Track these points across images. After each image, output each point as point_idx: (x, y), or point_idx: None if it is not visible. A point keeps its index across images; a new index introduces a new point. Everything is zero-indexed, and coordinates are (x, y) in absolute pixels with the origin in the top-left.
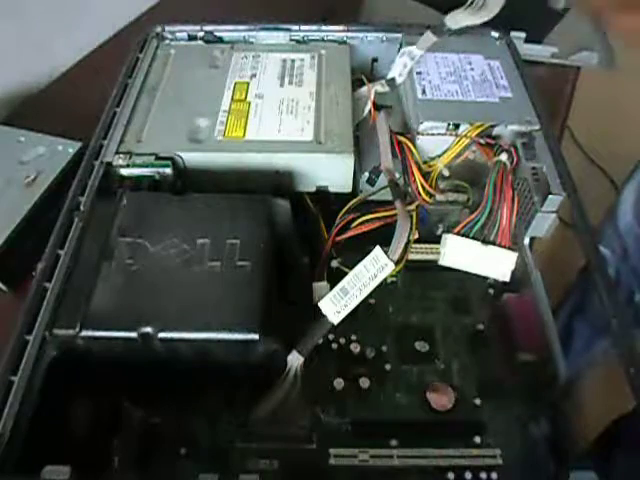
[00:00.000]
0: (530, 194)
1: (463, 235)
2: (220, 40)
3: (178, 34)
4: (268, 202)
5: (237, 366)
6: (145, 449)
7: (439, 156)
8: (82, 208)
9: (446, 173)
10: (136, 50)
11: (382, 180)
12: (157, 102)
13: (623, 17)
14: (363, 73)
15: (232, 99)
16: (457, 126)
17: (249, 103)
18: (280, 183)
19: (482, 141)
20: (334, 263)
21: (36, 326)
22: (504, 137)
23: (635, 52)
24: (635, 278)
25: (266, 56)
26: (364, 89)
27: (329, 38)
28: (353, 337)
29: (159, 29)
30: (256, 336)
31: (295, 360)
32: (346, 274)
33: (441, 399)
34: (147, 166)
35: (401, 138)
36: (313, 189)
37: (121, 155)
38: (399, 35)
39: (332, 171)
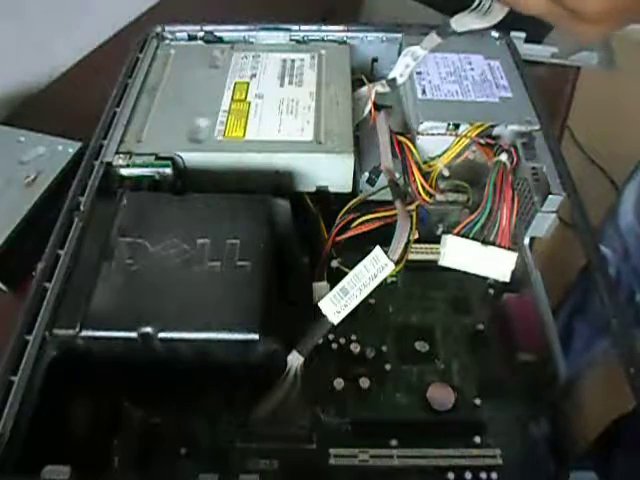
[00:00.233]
0: (530, 194)
1: (463, 235)
2: (220, 40)
3: (178, 34)
4: (268, 202)
5: (237, 366)
6: (145, 449)
7: (439, 156)
8: (82, 208)
9: (446, 173)
10: (136, 50)
11: (382, 180)
12: (157, 102)
13: (578, 26)
14: (363, 73)
15: (232, 99)
16: (457, 126)
17: (249, 103)
18: (280, 183)
19: (482, 141)
20: (334, 263)
21: (36, 326)
22: (504, 137)
23: (635, 52)
24: (636, 278)
25: (266, 56)
26: (364, 89)
27: (329, 38)
28: (353, 337)
29: (159, 29)
30: (256, 336)
31: (295, 360)
32: (346, 274)
33: (442, 395)
34: (147, 166)
35: (401, 138)
36: (313, 189)
37: (121, 155)
38: (399, 35)
39: (332, 171)
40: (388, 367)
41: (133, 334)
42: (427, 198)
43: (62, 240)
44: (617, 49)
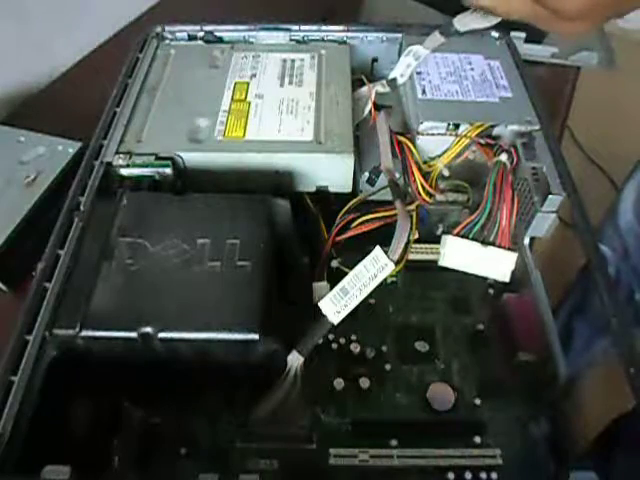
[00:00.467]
0: (530, 194)
1: (463, 236)
2: (220, 40)
3: (178, 34)
4: (268, 202)
5: (237, 366)
6: (145, 449)
7: (439, 156)
8: (82, 208)
9: (446, 173)
10: (136, 50)
11: (382, 180)
12: (157, 102)
13: (560, 25)
14: (363, 73)
15: (232, 99)
16: (457, 126)
17: (249, 103)
18: (280, 183)
19: (482, 141)
20: (334, 263)
21: (36, 326)
22: (504, 137)
23: (635, 52)
24: (635, 277)
25: (266, 56)
26: (364, 89)
27: (329, 38)
28: (353, 337)
29: (159, 29)
30: (256, 336)
31: (295, 360)
32: (346, 274)
33: (442, 395)
34: (147, 166)
35: (401, 138)
36: (313, 189)
37: (121, 155)
38: (399, 35)
39: (332, 171)
40: (388, 367)
41: (133, 334)
42: (427, 198)
43: (62, 240)
44: (617, 49)
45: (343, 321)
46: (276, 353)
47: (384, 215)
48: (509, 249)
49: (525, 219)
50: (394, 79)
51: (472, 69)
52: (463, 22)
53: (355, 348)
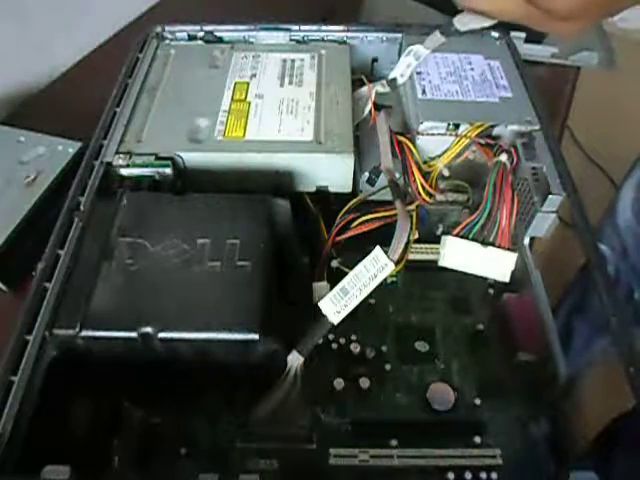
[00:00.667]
0: (530, 194)
1: (463, 236)
2: (220, 40)
3: (178, 34)
4: (268, 202)
5: (237, 366)
6: (145, 449)
7: (439, 156)
8: (82, 208)
9: (446, 173)
10: (136, 50)
11: (382, 180)
12: (157, 102)
13: (553, 25)
14: (363, 73)
15: (232, 99)
16: (457, 126)
17: (249, 103)
18: (280, 183)
19: (482, 141)
20: (334, 263)
21: (36, 326)
22: (504, 137)
23: (635, 52)
24: (634, 276)
25: (266, 56)
26: (364, 89)
27: (329, 38)
28: (353, 337)
29: (159, 29)
30: (256, 336)
31: (295, 360)
32: (346, 274)
33: (442, 395)
34: (147, 166)
35: (401, 138)
36: (313, 189)
37: (121, 155)
38: (399, 35)
39: (332, 171)
40: (388, 367)
41: (133, 334)
42: (427, 198)
43: (62, 240)
44: (617, 49)
45: (343, 321)
46: (276, 353)
47: (384, 215)
48: (509, 249)
49: (525, 219)
50: (394, 79)
51: (472, 69)
52: (463, 21)
53: (355, 348)
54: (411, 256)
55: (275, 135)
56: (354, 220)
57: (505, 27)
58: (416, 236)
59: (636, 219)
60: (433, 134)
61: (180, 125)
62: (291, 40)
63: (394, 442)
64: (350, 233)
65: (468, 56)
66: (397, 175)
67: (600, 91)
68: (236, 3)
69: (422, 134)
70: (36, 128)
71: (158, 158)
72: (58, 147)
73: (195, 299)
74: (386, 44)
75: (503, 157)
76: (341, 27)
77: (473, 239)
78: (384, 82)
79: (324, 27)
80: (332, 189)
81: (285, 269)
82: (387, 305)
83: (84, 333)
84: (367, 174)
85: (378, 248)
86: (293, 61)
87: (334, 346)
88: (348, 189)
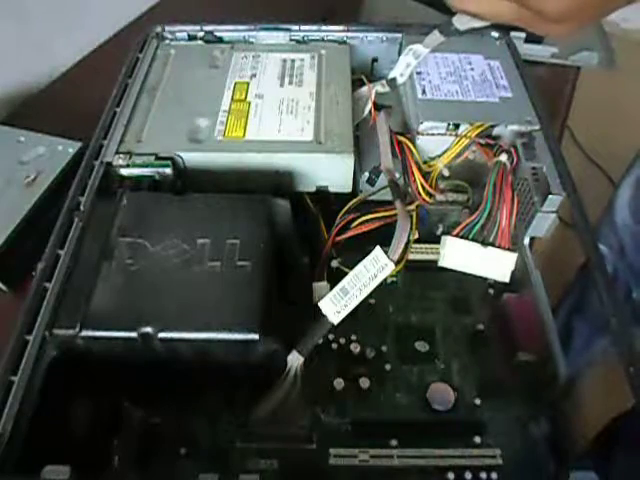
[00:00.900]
0: (530, 194)
1: (463, 236)
2: (220, 40)
3: (178, 34)
4: (268, 202)
5: (237, 366)
6: (145, 449)
7: (439, 156)
8: (82, 208)
9: (446, 173)
10: (136, 50)
11: (382, 180)
12: (157, 102)
13: (545, 27)
14: (363, 73)
15: (232, 99)
16: (457, 126)
17: (249, 103)
18: (280, 183)
19: (482, 141)
20: (334, 263)
21: (36, 326)
22: (504, 137)
23: (635, 52)
24: (632, 275)
25: (266, 56)
26: (364, 89)
27: (329, 38)
28: (353, 337)
29: (159, 29)
30: (256, 336)
31: (295, 360)
32: (346, 274)
33: (442, 395)
34: (147, 166)
35: (401, 138)
36: (313, 189)
37: (121, 155)
38: (399, 35)
39: (332, 171)
40: (388, 367)
41: (133, 334)
42: (427, 198)
43: (62, 240)
44: (617, 49)
45: (343, 321)
46: (276, 353)
47: (384, 215)
48: (509, 249)
49: (525, 219)
50: (394, 79)
51: (472, 69)
52: (462, 21)
53: (355, 348)
54: (411, 256)
55: (275, 135)
56: (354, 220)
57: (505, 27)
58: (416, 236)
59: (633, 217)
60: (433, 134)
61: (180, 125)
62: (291, 40)
63: (394, 442)
64: (350, 233)
65: (468, 56)
66: (397, 175)
67: (600, 91)
68: (236, 3)
69: (422, 134)
70: (36, 128)
71: (158, 158)
72: (58, 147)
73: (195, 299)
74: (386, 44)
75: (503, 157)
76: (341, 27)
77: (473, 239)
78: (384, 82)
79: (324, 27)
80: (332, 189)
81: (285, 269)
82: (387, 305)
83: (84, 333)
84: (367, 174)
85: (378, 248)
86: (293, 61)
87: (334, 346)
88: (348, 189)
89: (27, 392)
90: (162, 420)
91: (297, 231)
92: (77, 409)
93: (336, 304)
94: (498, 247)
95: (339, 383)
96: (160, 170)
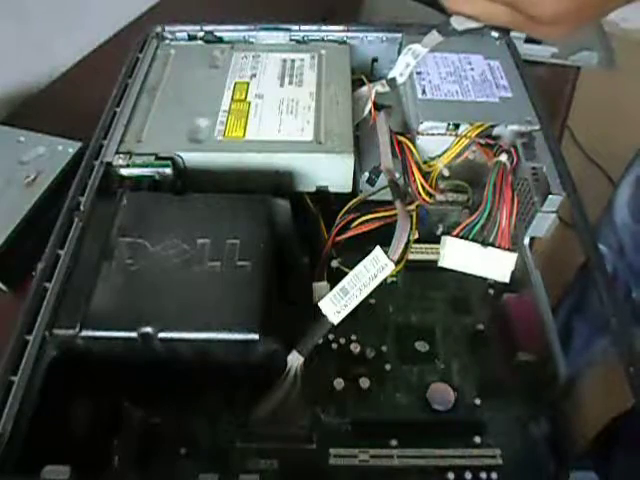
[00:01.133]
0: (530, 194)
1: (463, 236)
2: (220, 40)
3: (178, 34)
4: (268, 202)
5: (237, 366)
6: (145, 449)
7: (439, 156)
8: (82, 208)
9: (446, 173)
10: (136, 50)
11: (382, 180)
12: (157, 102)
13: (539, 30)
14: (363, 73)
15: (232, 99)
16: (457, 126)
17: (249, 103)
18: (280, 183)
19: (482, 141)
20: (334, 263)
21: (36, 326)
22: (504, 137)
23: (635, 52)
24: (632, 274)
25: (266, 56)
26: (364, 89)
27: (329, 38)
28: (353, 337)
29: (159, 29)
30: (256, 336)
31: (295, 360)
32: (346, 274)
33: (442, 395)
34: (147, 166)
35: (401, 138)
36: (313, 189)
37: (121, 155)
38: (399, 35)
39: (332, 171)
40: (388, 367)
41: (133, 334)
42: (427, 198)
43: (62, 240)
44: (617, 49)
45: (343, 321)
46: (276, 353)
47: (384, 215)
48: (509, 249)
49: (525, 219)
50: (393, 78)
51: (472, 69)
52: (460, 20)
53: (355, 348)
54: (411, 256)
55: (275, 135)
56: (354, 220)
57: (504, 27)
58: (416, 236)
59: (633, 217)
60: (433, 134)
61: (180, 125)
62: (291, 40)
63: (394, 442)
64: (350, 233)
65: (468, 56)
66: (397, 175)
67: (600, 91)
68: (236, 3)
69: (422, 134)
70: (36, 128)
71: (158, 158)
72: (58, 147)
73: (195, 299)
74: (386, 44)
75: (503, 157)
76: (341, 27)
77: (473, 239)
78: (384, 82)
79: (324, 27)
80: (332, 189)
81: (285, 269)
82: (387, 305)
83: (84, 333)
84: (367, 174)
85: (378, 248)
86: (293, 61)
87: (334, 346)
88: (348, 189)
89: (27, 392)
90: (162, 420)
91: (297, 231)
92: (77, 409)
93: (336, 304)
94: (498, 247)
95: (339, 383)
96: (160, 170)
